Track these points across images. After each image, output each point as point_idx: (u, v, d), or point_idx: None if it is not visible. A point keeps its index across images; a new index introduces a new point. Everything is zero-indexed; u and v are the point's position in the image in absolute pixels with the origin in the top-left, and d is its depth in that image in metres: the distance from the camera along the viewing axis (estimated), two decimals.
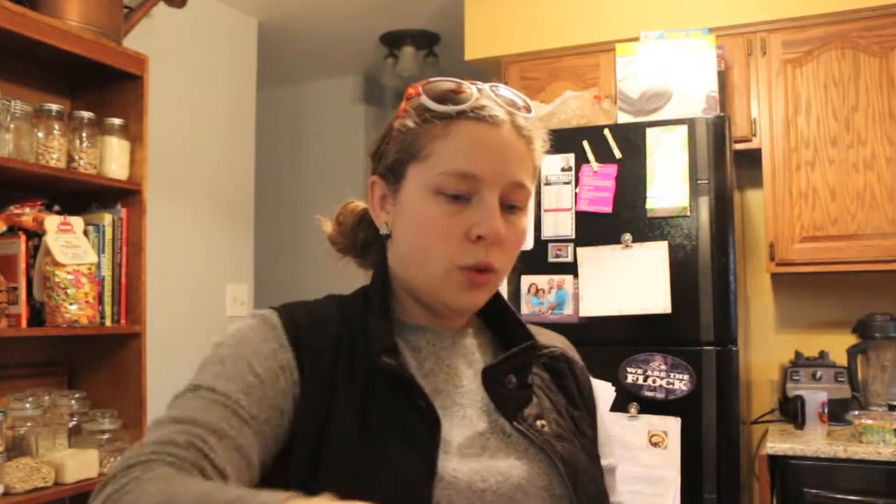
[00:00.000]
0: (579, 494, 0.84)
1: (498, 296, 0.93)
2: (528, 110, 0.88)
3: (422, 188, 0.84)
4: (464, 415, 0.86)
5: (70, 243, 2.11)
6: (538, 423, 0.87)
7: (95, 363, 2.36)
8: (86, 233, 2.19)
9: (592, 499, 0.86)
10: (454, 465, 0.80)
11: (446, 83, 0.86)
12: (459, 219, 0.82)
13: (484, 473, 0.81)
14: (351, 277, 3.99)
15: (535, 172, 0.89)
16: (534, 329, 0.96)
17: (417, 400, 0.81)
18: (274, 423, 0.77)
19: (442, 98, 0.85)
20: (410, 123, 0.86)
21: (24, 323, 2.06)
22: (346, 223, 1.02)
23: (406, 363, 0.85)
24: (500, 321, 0.95)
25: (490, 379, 0.87)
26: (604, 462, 0.96)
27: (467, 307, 0.87)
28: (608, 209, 2.32)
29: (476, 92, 0.85)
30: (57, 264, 2.07)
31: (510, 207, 0.85)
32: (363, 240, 0.99)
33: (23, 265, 2.08)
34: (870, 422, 2.32)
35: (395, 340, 0.85)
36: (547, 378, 0.94)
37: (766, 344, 2.95)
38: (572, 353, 1.01)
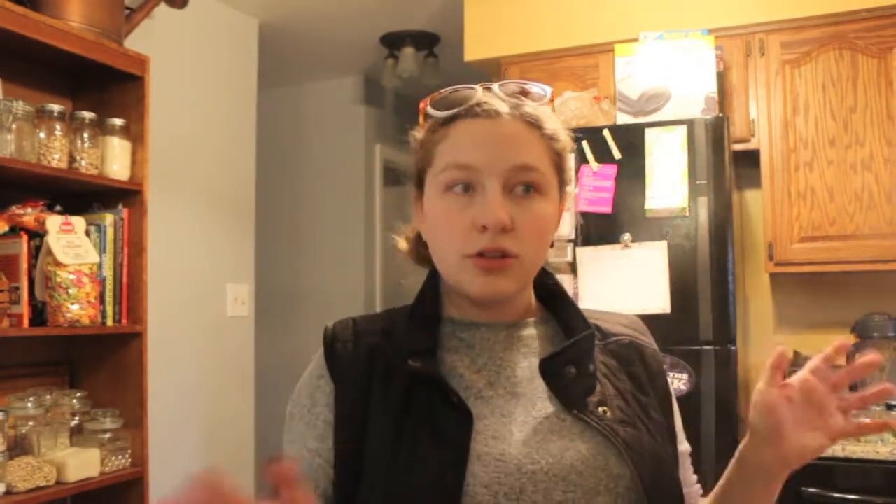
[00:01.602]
0: (643, 475, 0.84)
1: (557, 285, 0.97)
2: (537, 99, 0.90)
3: (434, 190, 0.89)
4: (516, 404, 0.87)
5: (72, 243, 2.12)
6: (600, 409, 0.87)
7: (97, 363, 2.37)
8: (87, 233, 2.20)
9: (659, 480, 0.86)
10: (502, 448, 0.82)
11: (452, 91, 0.89)
12: (467, 211, 0.85)
13: (535, 455, 0.82)
14: (352, 277, 4.01)
15: (556, 155, 0.90)
16: (602, 315, 0.98)
17: (450, 397, 0.84)
18: (329, 465, 0.87)
19: (443, 105, 0.89)
20: (420, 135, 0.92)
21: (25, 323, 2.07)
22: (410, 238, 1.04)
23: (435, 364, 0.88)
24: (563, 311, 0.96)
25: (547, 370, 0.88)
26: (681, 447, 0.99)
27: (490, 294, 0.87)
28: (608, 209, 2.32)
29: (479, 92, 0.88)
30: (58, 264, 2.08)
31: (526, 190, 0.86)
32: (423, 250, 0.99)
33: (25, 265, 2.09)
34: (868, 421, 2.33)
35: (431, 342, 0.89)
36: (614, 365, 0.93)
37: (765, 344, 2.96)
38: (643, 338, 1.00)
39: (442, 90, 0.91)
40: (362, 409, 0.84)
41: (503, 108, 0.87)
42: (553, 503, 0.81)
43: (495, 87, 0.89)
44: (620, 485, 0.84)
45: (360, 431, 0.83)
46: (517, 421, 0.85)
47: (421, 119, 0.93)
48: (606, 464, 0.84)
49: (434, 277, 0.94)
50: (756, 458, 0.92)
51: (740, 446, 0.93)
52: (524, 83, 0.91)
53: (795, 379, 0.91)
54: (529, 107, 0.88)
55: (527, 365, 0.90)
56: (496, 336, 0.92)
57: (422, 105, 0.92)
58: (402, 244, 1.02)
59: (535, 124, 0.88)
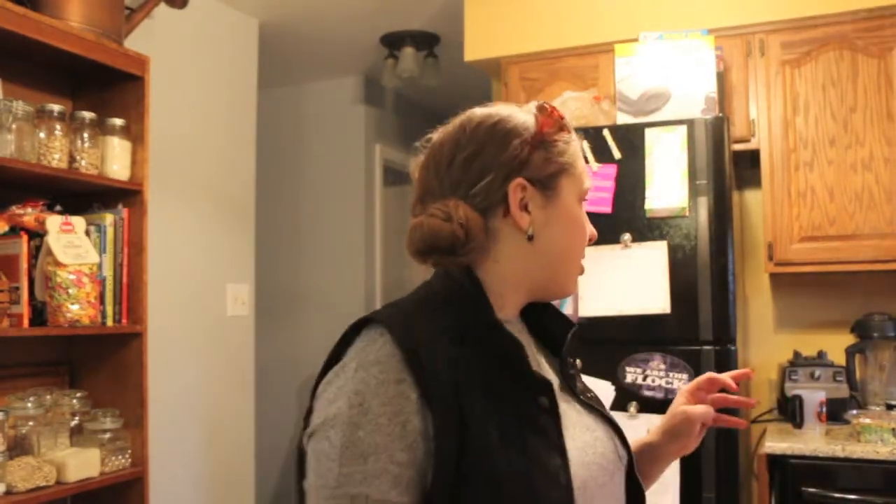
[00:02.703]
0: (630, 454, 0.97)
1: None
2: None
3: (574, 196, 0.95)
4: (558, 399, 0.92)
5: (72, 243, 2.12)
6: (590, 394, 0.98)
7: (97, 363, 2.37)
8: (87, 233, 2.20)
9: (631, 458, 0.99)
10: (580, 445, 0.89)
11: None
12: (586, 223, 0.97)
13: (585, 448, 0.90)
14: (352, 277, 4.01)
15: None
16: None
17: (541, 397, 0.87)
18: (421, 477, 0.79)
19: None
20: (563, 141, 0.94)
21: (25, 323, 2.07)
22: (465, 222, 0.96)
23: (539, 369, 0.94)
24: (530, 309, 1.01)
25: (563, 363, 0.98)
26: None
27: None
28: (607, 209, 2.32)
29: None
30: (58, 264, 2.08)
31: None
32: (445, 249, 0.93)
33: (25, 265, 2.09)
34: (868, 421, 2.33)
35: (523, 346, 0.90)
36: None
37: (765, 343, 2.96)
38: None
39: (547, 102, 0.97)
40: (456, 415, 0.79)
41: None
42: (603, 489, 0.89)
43: None
44: (623, 463, 0.95)
45: (460, 437, 0.78)
46: (570, 416, 0.91)
47: (548, 121, 0.94)
48: (615, 447, 0.94)
49: (473, 277, 0.91)
50: (666, 449, 1.09)
51: (648, 440, 1.10)
52: None
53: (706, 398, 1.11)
54: None
55: (541, 358, 0.98)
56: (521, 334, 0.97)
57: (551, 109, 0.95)
58: (441, 224, 0.91)
59: None
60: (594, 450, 0.90)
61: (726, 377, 1.10)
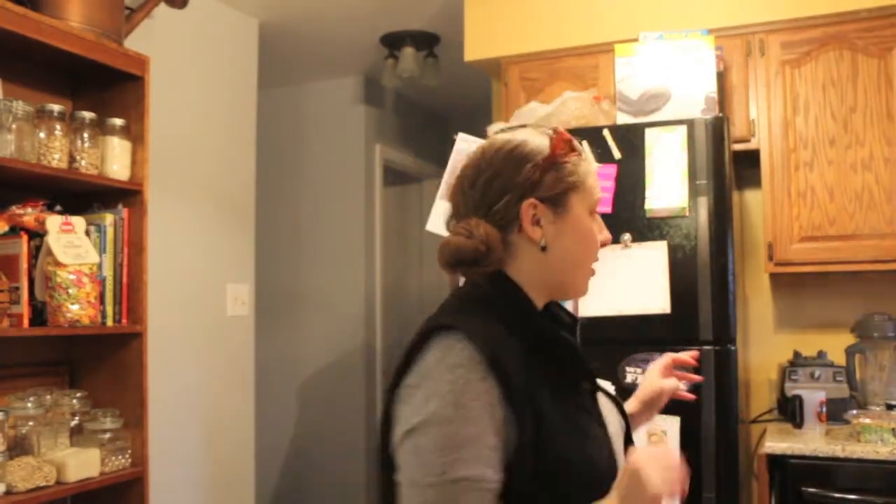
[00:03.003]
0: (628, 425, 1.16)
1: None
2: None
3: (584, 210, 1.09)
4: None
5: (72, 243, 2.12)
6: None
7: (97, 363, 2.37)
8: (87, 233, 2.20)
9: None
10: (614, 427, 1.12)
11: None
12: (597, 232, 1.11)
13: (611, 420, 1.12)
14: (352, 277, 4.01)
15: None
16: None
17: (584, 382, 1.10)
18: (507, 456, 0.94)
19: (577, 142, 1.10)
20: (572, 162, 1.08)
21: (25, 323, 2.07)
22: (485, 238, 1.10)
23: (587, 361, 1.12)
24: None
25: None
26: None
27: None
28: (607, 209, 2.32)
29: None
30: (58, 264, 2.08)
31: None
32: (473, 260, 1.06)
33: (25, 265, 2.09)
34: (868, 421, 2.33)
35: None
36: None
37: (765, 343, 2.96)
38: None
39: (555, 127, 1.11)
40: (531, 405, 0.94)
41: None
42: (620, 455, 1.09)
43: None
44: (623, 432, 1.14)
45: (536, 422, 0.94)
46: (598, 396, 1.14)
47: (559, 143, 1.08)
48: (620, 419, 1.14)
49: (509, 281, 1.06)
50: (641, 418, 1.30)
51: (629, 410, 1.25)
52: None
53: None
54: None
55: None
56: None
57: (561, 131, 1.09)
58: (464, 241, 1.05)
59: None
60: (616, 422, 1.13)
61: (687, 356, 1.35)
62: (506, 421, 0.93)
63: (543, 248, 1.06)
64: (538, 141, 1.07)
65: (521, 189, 1.05)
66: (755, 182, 2.82)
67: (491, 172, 1.06)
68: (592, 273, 1.13)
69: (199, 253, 3.12)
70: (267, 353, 4.04)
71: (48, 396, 2.16)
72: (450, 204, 1.13)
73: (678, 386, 1.32)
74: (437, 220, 2.50)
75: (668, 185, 2.30)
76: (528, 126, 1.13)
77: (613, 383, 2.26)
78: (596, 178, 1.11)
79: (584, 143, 1.14)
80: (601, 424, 1.07)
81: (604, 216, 2.49)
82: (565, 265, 1.08)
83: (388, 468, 0.97)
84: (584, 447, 0.98)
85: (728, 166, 2.34)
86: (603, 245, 1.12)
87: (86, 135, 2.23)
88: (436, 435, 0.91)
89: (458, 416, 0.91)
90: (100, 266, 2.22)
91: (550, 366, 1.02)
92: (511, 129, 1.12)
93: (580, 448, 0.97)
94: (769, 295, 2.98)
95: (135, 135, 2.34)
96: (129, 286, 2.30)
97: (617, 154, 2.36)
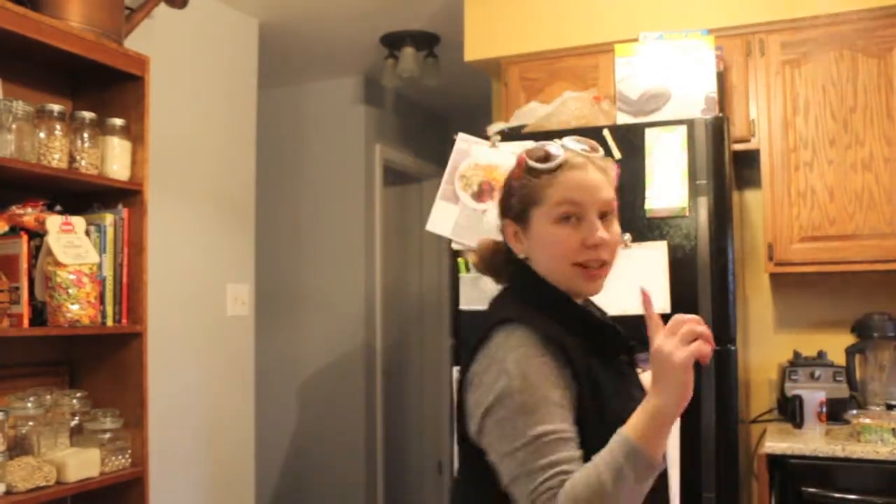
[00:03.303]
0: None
1: None
2: (597, 150, 1.27)
3: (546, 220, 1.22)
4: None
5: (72, 243, 2.12)
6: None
7: (97, 363, 2.37)
8: (87, 233, 2.20)
9: None
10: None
11: (540, 150, 1.24)
12: (576, 235, 1.20)
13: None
14: (352, 277, 4.01)
15: (615, 190, 1.27)
16: None
17: (622, 354, 1.27)
18: (572, 413, 1.12)
19: (544, 159, 1.23)
20: (526, 181, 1.24)
21: (25, 323, 2.07)
22: (485, 254, 1.36)
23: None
24: None
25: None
26: None
27: (595, 292, 1.26)
28: None
29: (561, 150, 1.23)
30: (58, 264, 2.08)
31: (603, 216, 1.22)
32: (498, 263, 1.33)
33: (25, 265, 2.09)
34: (868, 421, 2.33)
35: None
36: None
37: (765, 343, 2.96)
38: None
39: (529, 149, 1.25)
40: (585, 372, 1.12)
41: (583, 160, 1.24)
42: None
43: (568, 143, 1.25)
44: None
45: (591, 387, 1.12)
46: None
47: (517, 169, 1.26)
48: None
49: (542, 280, 1.23)
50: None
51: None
52: (583, 140, 1.27)
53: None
54: (597, 158, 1.26)
55: None
56: None
57: (521, 157, 1.25)
58: (474, 258, 1.37)
59: (603, 170, 1.25)
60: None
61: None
62: (567, 387, 1.10)
63: (525, 259, 1.26)
64: (512, 164, 1.28)
65: (501, 211, 1.30)
66: (755, 182, 2.82)
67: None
68: (587, 273, 1.22)
69: (199, 253, 3.12)
70: (267, 353, 4.04)
71: (48, 396, 2.16)
72: None
73: None
74: (438, 220, 2.50)
75: (668, 185, 2.30)
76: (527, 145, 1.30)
77: None
78: (568, 185, 1.21)
79: (565, 147, 1.25)
80: (640, 388, 1.25)
81: None
82: (548, 271, 1.23)
83: (472, 456, 1.15)
84: (630, 406, 1.08)
85: (728, 166, 2.34)
86: (589, 246, 1.20)
87: (86, 135, 2.23)
88: (510, 406, 1.07)
89: (526, 385, 1.07)
90: (100, 266, 2.22)
91: (591, 341, 1.18)
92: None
93: (628, 407, 1.08)
94: (769, 295, 2.97)
95: (135, 135, 2.34)
96: (129, 286, 2.30)
97: (617, 154, 2.36)
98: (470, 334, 1.26)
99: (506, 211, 1.28)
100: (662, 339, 1.06)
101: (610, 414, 1.10)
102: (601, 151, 1.28)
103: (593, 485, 1.00)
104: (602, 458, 1.03)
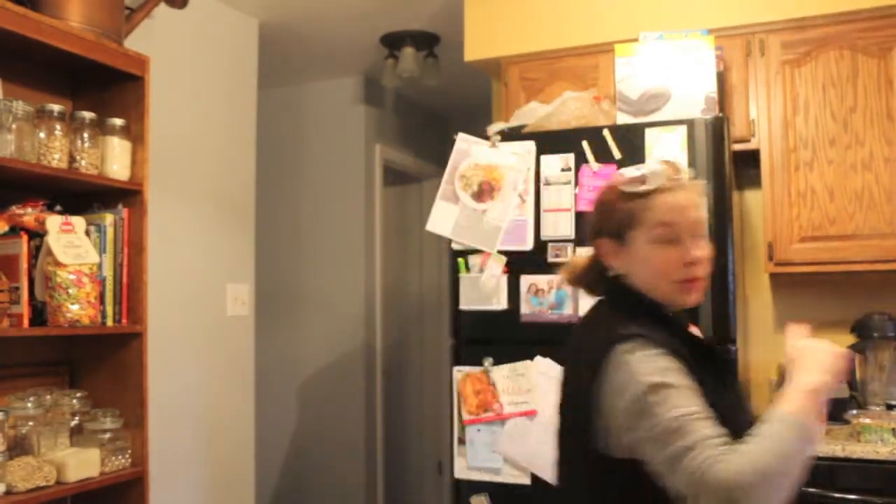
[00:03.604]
0: None
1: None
2: (683, 172, 1.38)
3: (645, 240, 1.33)
4: None
5: (72, 243, 2.12)
6: None
7: (97, 363, 2.37)
8: (87, 233, 2.20)
9: None
10: None
11: (633, 174, 1.35)
12: (674, 255, 1.31)
13: None
14: (352, 277, 4.00)
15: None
16: None
17: (711, 360, 1.34)
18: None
19: (636, 184, 1.34)
20: (621, 205, 1.35)
21: (25, 323, 2.07)
22: (579, 271, 1.48)
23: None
24: None
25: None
26: None
27: (695, 303, 1.36)
28: None
29: (656, 173, 1.33)
30: (58, 264, 2.08)
31: (696, 234, 1.34)
32: (592, 278, 1.45)
33: (25, 265, 2.09)
34: (868, 421, 2.33)
35: None
36: None
37: (765, 343, 2.96)
38: None
39: (625, 171, 1.38)
40: (696, 374, 1.22)
41: (678, 183, 1.34)
42: None
43: (658, 167, 1.35)
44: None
45: (702, 387, 1.20)
46: None
47: (612, 193, 1.38)
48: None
49: (641, 294, 1.35)
50: None
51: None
52: (673, 162, 1.39)
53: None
54: (687, 179, 1.37)
55: None
56: None
57: (615, 181, 1.38)
58: (566, 274, 1.50)
59: (697, 191, 1.37)
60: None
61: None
62: (687, 375, 1.20)
63: (621, 275, 1.37)
64: (607, 192, 1.41)
65: (595, 229, 1.40)
66: (755, 182, 2.82)
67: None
68: (683, 287, 1.33)
69: (199, 253, 3.12)
70: (267, 353, 4.04)
71: (48, 396, 2.16)
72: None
73: None
74: (438, 220, 2.50)
75: None
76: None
77: None
78: (662, 208, 1.32)
79: (653, 171, 1.35)
80: (736, 394, 1.38)
81: None
82: (649, 285, 1.34)
83: (604, 467, 1.24)
84: (728, 404, 1.23)
85: (728, 166, 2.34)
86: (686, 265, 1.31)
87: (86, 135, 2.23)
88: (653, 399, 1.16)
89: (664, 382, 1.17)
90: (100, 266, 2.22)
91: (686, 347, 1.28)
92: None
93: (724, 406, 1.20)
94: (769, 295, 2.97)
95: (135, 135, 2.34)
96: (129, 286, 2.30)
97: (617, 154, 2.36)
98: (559, 343, 1.49)
99: (601, 231, 1.39)
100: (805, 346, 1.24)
101: (712, 408, 1.19)
102: (688, 172, 1.40)
103: (767, 451, 1.06)
104: (766, 429, 1.10)
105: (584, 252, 1.43)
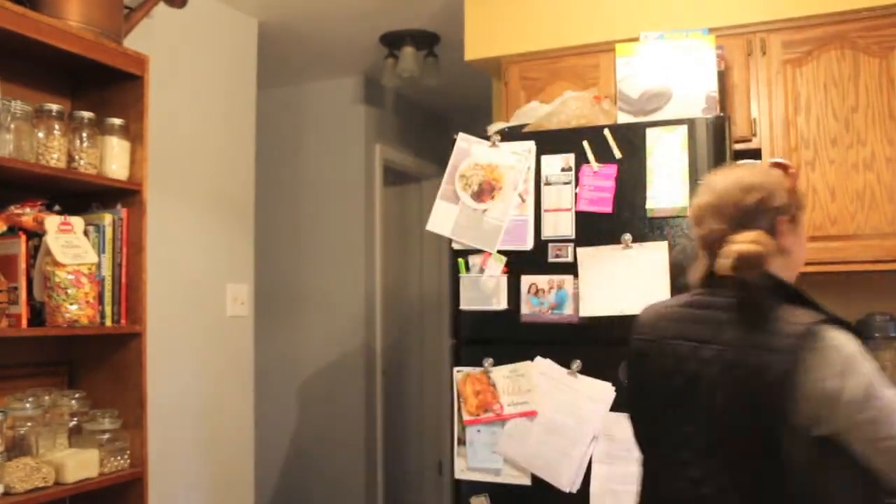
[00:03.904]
0: None
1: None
2: None
3: (802, 223, 1.47)
4: None
5: (70, 243, 2.11)
6: None
7: (96, 363, 2.36)
8: (86, 233, 2.20)
9: None
10: None
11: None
12: None
13: None
14: (352, 277, 3.99)
15: None
16: None
17: None
18: None
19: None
20: (798, 190, 1.48)
21: (24, 323, 2.07)
22: (767, 250, 1.42)
23: None
24: None
25: None
26: None
27: None
28: (608, 209, 2.32)
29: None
30: (57, 264, 2.07)
31: None
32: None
33: (23, 265, 2.08)
34: None
35: None
36: None
37: None
38: None
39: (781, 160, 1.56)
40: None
41: None
42: None
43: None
44: None
45: None
46: None
47: (792, 179, 1.48)
48: None
49: (788, 284, 1.42)
50: None
51: None
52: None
53: None
54: None
55: None
56: None
57: (790, 166, 1.50)
58: (759, 248, 1.40)
59: None
60: None
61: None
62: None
63: (787, 253, 1.43)
64: (777, 178, 1.47)
65: (776, 207, 1.42)
66: None
67: (760, 195, 1.43)
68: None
69: (198, 253, 3.11)
70: (267, 353, 4.04)
71: (47, 397, 2.15)
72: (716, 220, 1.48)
73: None
74: (438, 219, 2.50)
75: (668, 184, 2.29)
76: (755, 164, 1.58)
77: (613, 384, 2.26)
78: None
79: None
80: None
81: (604, 216, 2.47)
82: (796, 265, 1.46)
83: (817, 449, 1.27)
84: None
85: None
86: None
87: (85, 134, 2.22)
88: (884, 389, 1.29)
89: (878, 374, 1.31)
90: (98, 266, 2.21)
91: None
92: (745, 165, 1.60)
93: None
94: None
95: (134, 134, 2.34)
96: (128, 286, 2.30)
97: (617, 154, 2.35)
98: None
99: (780, 209, 1.43)
100: None
101: None
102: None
103: None
104: None
105: (745, 236, 1.38)
